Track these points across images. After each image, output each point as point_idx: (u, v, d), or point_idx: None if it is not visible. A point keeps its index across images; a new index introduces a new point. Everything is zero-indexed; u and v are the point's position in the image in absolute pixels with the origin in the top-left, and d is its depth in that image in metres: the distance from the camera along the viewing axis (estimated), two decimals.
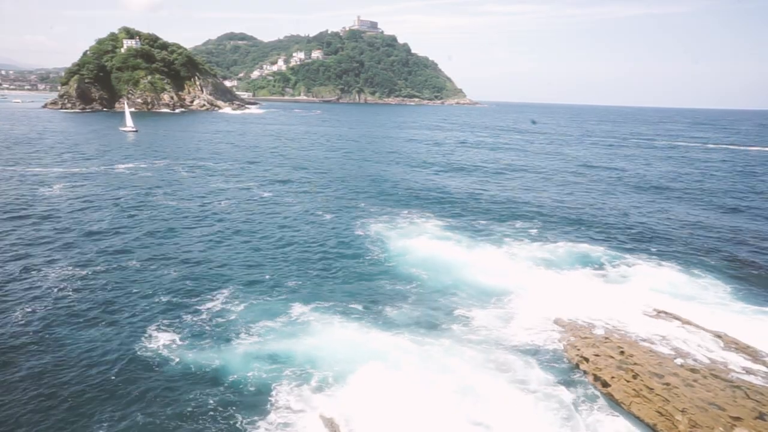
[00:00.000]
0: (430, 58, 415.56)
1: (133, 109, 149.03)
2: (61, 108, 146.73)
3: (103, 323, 18.71)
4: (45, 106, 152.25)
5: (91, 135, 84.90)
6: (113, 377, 15.46)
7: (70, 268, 23.72)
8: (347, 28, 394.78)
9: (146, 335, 17.91)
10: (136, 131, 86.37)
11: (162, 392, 14.83)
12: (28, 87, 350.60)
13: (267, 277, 23.66)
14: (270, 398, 14.71)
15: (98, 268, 23.88)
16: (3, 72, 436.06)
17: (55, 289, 21.24)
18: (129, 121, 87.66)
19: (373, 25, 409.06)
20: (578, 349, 17.33)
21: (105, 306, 20.03)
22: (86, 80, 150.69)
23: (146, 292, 21.39)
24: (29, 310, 19.38)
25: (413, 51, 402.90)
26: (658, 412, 13.83)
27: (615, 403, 14.86)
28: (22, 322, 18.47)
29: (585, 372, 16.38)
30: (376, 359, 16.55)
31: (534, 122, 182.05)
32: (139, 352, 16.80)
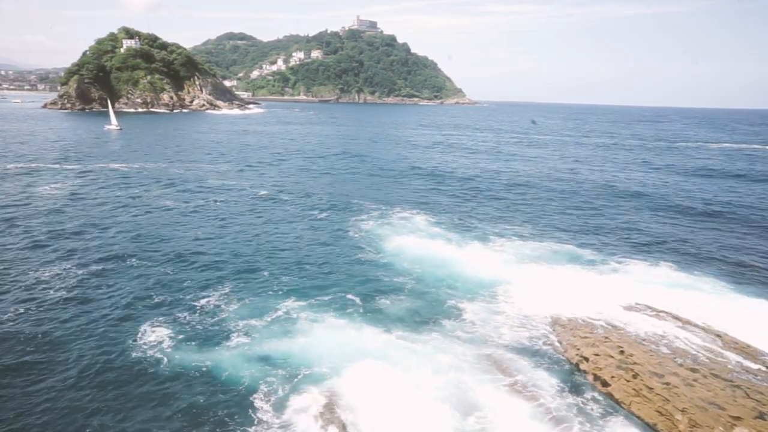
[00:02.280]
0: (430, 58, 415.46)
1: (132, 110, 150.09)
2: (61, 108, 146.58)
3: (95, 322, 18.65)
4: (45, 106, 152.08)
5: (74, 133, 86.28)
6: (104, 376, 15.41)
7: (59, 267, 23.65)
8: (347, 28, 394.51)
9: (139, 334, 17.86)
10: (120, 129, 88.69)
11: (153, 392, 14.77)
12: (28, 87, 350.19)
13: (261, 275, 23.63)
14: (262, 397, 14.70)
15: (88, 267, 23.78)
16: (2, 72, 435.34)
17: (46, 289, 21.17)
18: (113, 119, 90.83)
19: (373, 25, 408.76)
20: (578, 349, 17.32)
21: (97, 305, 19.97)
22: (86, 80, 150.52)
23: (139, 291, 21.31)
24: (21, 309, 19.32)
25: (413, 51, 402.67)
26: (658, 411, 13.82)
27: (615, 403, 14.84)
28: (14, 321, 18.41)
29: (584, 371, 16.36)
30: (370, 357, 16.55)
31: (534, 122, 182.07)
32: (130, 351, 16.75)
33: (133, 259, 24.92)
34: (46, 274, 22.68)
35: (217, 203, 37.71)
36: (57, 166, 51.39)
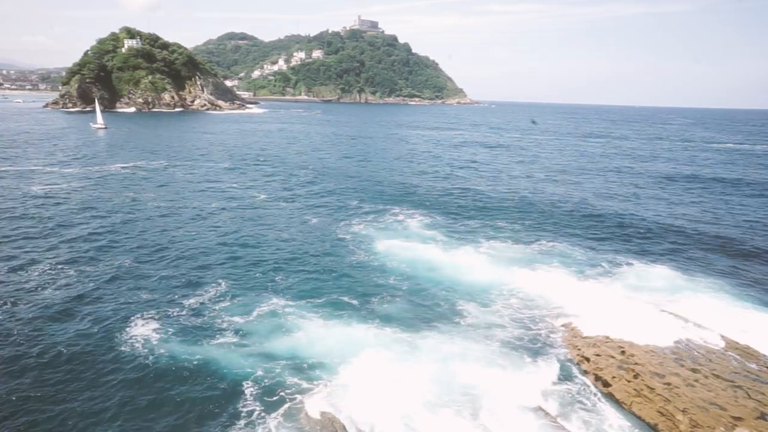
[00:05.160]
0: (431, 58, 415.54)
1: (132, 109, 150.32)
2: (63, 108, 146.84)
3: (88, 319, 18.73)
4: (46, 106, 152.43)
5: (60, 131, 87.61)
6: (97, 373, 15.48)
7: (51, 265, 23.70)
8: (348, 28, 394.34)
9: (133, 331, 17.96)
10: (106, 128, 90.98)
11: (146, 388, 14.84)
12: (30, 87, 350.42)
13: (255, 274, 23.73)
14: (256, 391, 14.85)
15: (81, 266, 23.81)
16: (4, 72, 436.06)
17: (39, 287, 21.20)
18: (99, 118, 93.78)
19: (374, 25, 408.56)
20: (579, 349, 17.34)
21: (90, 303, 20.03)
22: (87, 80, 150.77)
23: (132, 290, 21.37)
24: (14, 306, 19.37)
25: (414, 51, 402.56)
26: (659, 412, 13.83)
27: (616, 403, 14.86)
28: (6, 317, 18.46)
29: (586, 372, 16.38)
30: (365, 355, 16.70)
31: (534, 122, 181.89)
32: (123, 348, 16.86)
33: (126, 260, 24.87)
34: (36, 274, 22.63)
35: (208, 204, 37.75)
36: (42, 167, 51.44)
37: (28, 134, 79.03)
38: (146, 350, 16.75)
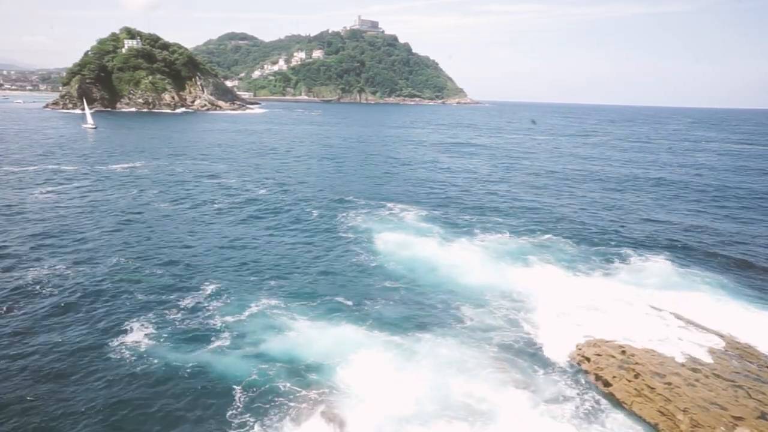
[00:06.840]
0: (431, 58, 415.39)
1: (133, 109, 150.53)
2: (63, 108, 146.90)
3: (81, 321, 18.64)
4: (46, 107, 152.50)
5: (52, 131, 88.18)
6: (88, 376, 15.39)
7: (46, 266, 23.55)
8: (348, 28, 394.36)
9: (126, 334, 17.86)
10: (95, 128, 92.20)
11: (137, 392, 14.71)
12: (30, 87, 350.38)
13: (252, 275, 23.64)
14: (248, 396, 14.73)
15: (76, 266, 23.73)
16: (5, 72, 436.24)
17: (33, 288, 21.13)
18: (89, 119, 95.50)
19: (374, 25, 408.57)
20: (579, 349, 17.33)
21: (82, 305, 19.91)
22: (87, 80, 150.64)
23: (126, 291, 21.22)
24: (6, 307, 19.33)
25: (414, 51, 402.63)
26: (660, 411, 13.83)
27: (616, 403, 14.85)
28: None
29: (586, 371, 16.37)
30: (362, 356, 16.62)
31: (534, 122, 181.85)
32: (116, 350, 16.76)
33: (123, 260, 24.76)
34: (29, 276, 22.43)
35: (203, 203, 37.76)
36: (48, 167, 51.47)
37: (5, 134, 79.19)
38: (139, 353, 16.65)
